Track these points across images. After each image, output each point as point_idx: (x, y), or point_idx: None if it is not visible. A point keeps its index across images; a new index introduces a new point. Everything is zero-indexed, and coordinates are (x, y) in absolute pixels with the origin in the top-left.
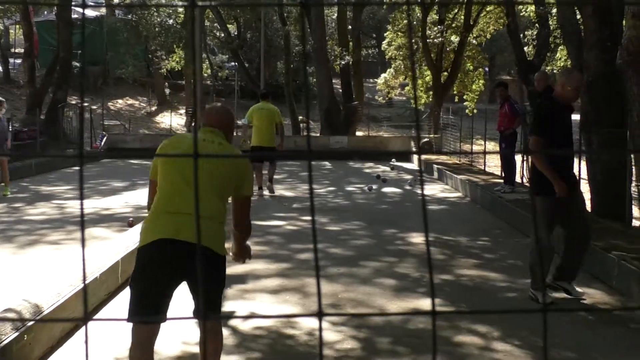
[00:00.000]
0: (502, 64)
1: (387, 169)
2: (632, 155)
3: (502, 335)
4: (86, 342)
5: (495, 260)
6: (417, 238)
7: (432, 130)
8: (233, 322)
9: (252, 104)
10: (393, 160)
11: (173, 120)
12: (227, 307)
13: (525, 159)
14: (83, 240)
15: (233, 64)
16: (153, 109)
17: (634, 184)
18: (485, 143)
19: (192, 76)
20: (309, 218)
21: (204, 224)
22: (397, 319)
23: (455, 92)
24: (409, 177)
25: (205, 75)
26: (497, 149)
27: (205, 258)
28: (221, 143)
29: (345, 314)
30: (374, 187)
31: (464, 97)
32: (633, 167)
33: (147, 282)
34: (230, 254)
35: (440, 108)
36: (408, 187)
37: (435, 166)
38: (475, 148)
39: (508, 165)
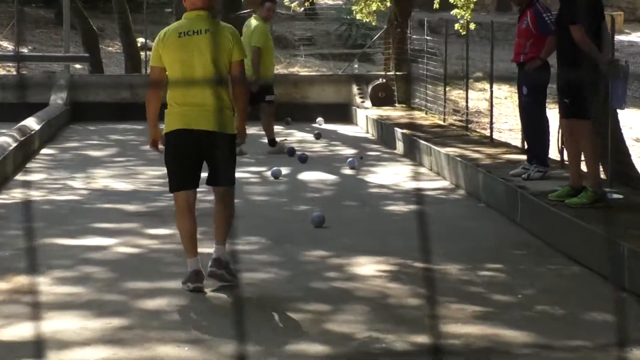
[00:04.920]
0: None
1: (310, 137)
2: None
3: None
4: None
5: (515, 307)
6: (367, 266)
7: (390, 63)
8: None
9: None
10: (320, 120)
11: None
12: None
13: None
14: None
15: None
16: None
17: None
18: (491, 86)
19: None
20: (162, 231)
21: (210, 112)
22: None
23: None
24: (350, 152)
25: None
26: (516, 97)
27: (216, 139)
28: (208, 29)
29: None
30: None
31: (452, 0)
32: None
33: (177, 160)
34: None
35: (407, 22)
36: (349, 171)
37: (398, 131)
38: (472, 97)
39: (535, 129)
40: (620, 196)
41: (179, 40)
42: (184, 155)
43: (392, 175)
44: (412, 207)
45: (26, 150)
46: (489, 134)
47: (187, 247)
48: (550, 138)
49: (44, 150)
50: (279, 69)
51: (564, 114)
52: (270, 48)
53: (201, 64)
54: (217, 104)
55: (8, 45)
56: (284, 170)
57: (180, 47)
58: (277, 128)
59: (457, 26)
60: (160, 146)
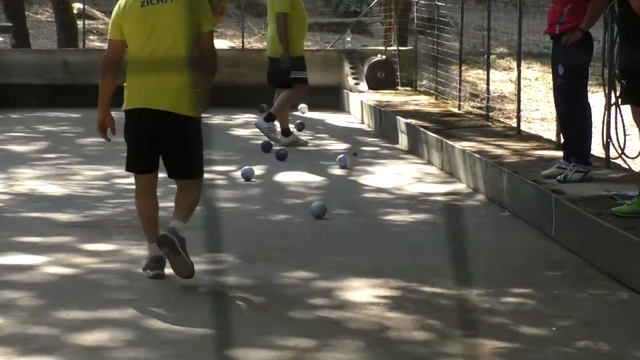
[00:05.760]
0: None
1: (292, 127)
2: None
3: None
4: None
5: (549, 342)
6: (362, 291)
7: (392, 36)
8: None
9: None
10: (302, 107)
11: None
12: None
13: (616, 102)
14: None
15: None
16: None
17: None
18: (519, 64)
19: None
20: (103, 246)
21: (174, 92)
22: None
23: None
24: (341, 147)
25: None
26: (550, 78)
27: (177, 122)
28: None
29: None
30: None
31: None
32: None
33: (137, 141)
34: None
35: None
36: (339, 171)
37: (402, 120)
38: (495, 78)
39: (574, 118)
40: None
41: (141, 10)
42: (144, 135)
43: (393, 176)
44: (419, 215)
45: None
46: (515, 125)
47: (147, 230)
48: (594, 129)
49: None
50: (251, 42)
51: (625, 99)
52: (301, 14)
53: (167, 36)
54: (182, 82)
55: None
56: (257, 170)
57: (143, 18)
58: (250, 117)
59: None
60: (109, 134)
